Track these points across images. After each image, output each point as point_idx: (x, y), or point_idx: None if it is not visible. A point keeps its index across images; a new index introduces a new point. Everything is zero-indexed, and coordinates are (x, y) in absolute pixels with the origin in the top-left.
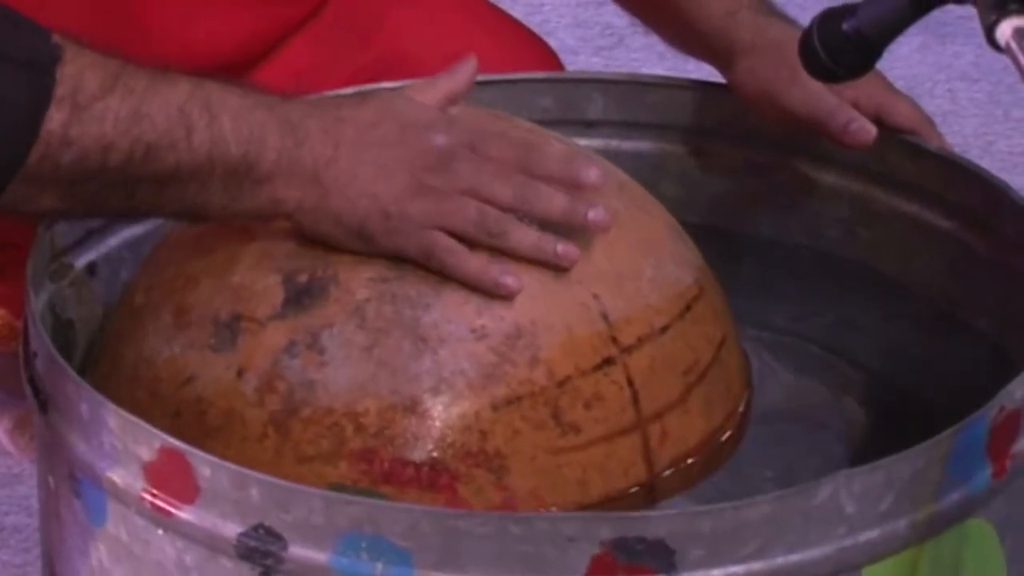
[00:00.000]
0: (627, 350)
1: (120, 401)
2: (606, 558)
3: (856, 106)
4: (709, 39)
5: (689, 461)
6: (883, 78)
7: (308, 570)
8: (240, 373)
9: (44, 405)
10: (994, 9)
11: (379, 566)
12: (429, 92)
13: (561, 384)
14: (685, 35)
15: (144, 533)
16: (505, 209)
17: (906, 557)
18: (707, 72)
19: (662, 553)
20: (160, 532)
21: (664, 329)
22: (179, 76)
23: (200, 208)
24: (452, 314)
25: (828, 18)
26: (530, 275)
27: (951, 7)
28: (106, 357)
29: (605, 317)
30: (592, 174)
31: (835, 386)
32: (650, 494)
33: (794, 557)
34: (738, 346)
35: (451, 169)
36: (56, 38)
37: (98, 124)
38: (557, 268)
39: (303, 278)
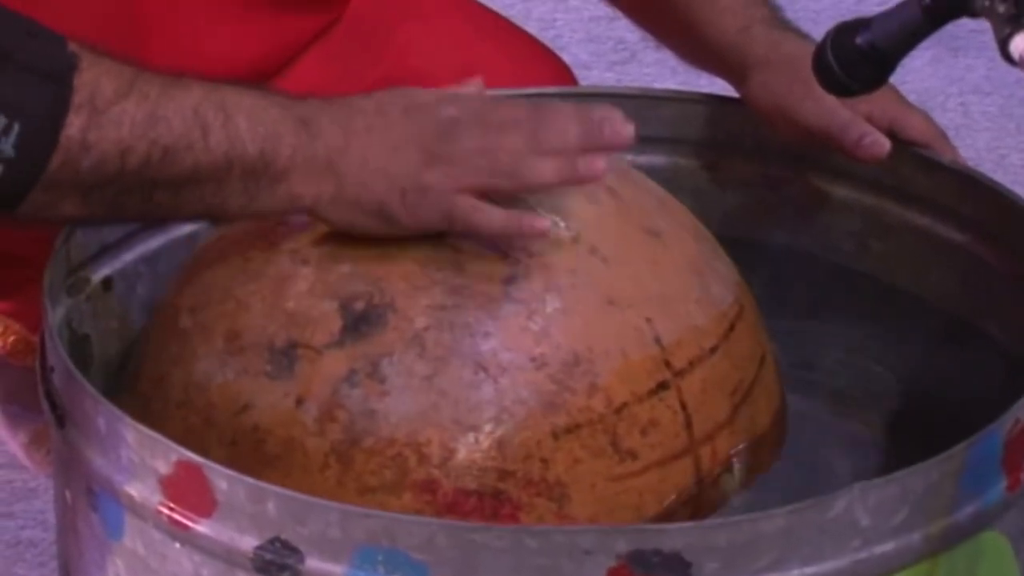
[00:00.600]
0: (679, 373)
1: (171, 425)
2: (622, 571)
3: (870, 120)
4: (722, 54)
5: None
6: (896, 92)
7: None
8: (299, 402)
9: (61, 420)
10: (1008, 23)
11: None
12: None
13: (619, 411)
14: (698, 50)
15: (161, 547)
16: (519, 154)
17: (921, 570)
18: (719, 86)
19: (678, 566)
20: (177, 546)
21: (713, 350)
22: (192, 80)
23: (219, 209)
24: (511, 342)
25: (842, 32)
26: (585, 301)
27: (962, 22)
28: (146, 377)
29: (658, 341)
30: (600, 113)
31: (848, 398)
32: (695, 506)
33: (809, 570)
34: (774, 359)
35: (459, 135)
36: (72, 46)
37: (115, 128)
38: (585, 181)
39: (360, 305)
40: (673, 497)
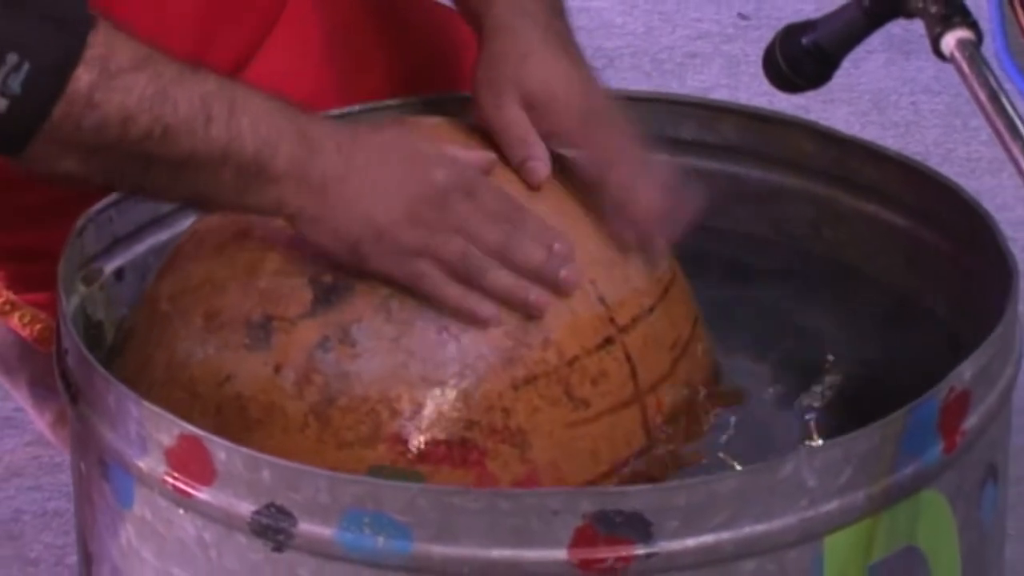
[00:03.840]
0: (623, 329)
1: (155, 401)
2: (588, 530)
3: (591, 155)
4: (469, 19)
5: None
6: (613, 135)
7: (316, 544)
8: (277, 369)
9: (75, 397)
10: (940, 22)
11: (381, 540)
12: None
13: (571, 363)
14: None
15: (167, 513)
16: (489, 252)
17: (864, 526)
18: (689, 88)
19: (639, 524)
20: (181, 512)
21: (651, 310)
22: (209, 73)
23: (209, 197)
24: None
25: (790, 33)
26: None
27: (913, 26)
28: (130, 359)
29: (603, 300)
30: (563, 247)
31: (802, 370)
32: (648, 460)
33: (760, 527)
34: (704, 325)
35: (446, 206)
36: (93, 11)
37: (123, 95)
38: (528, 315)
39: (328, 278)
40: (625, 449)
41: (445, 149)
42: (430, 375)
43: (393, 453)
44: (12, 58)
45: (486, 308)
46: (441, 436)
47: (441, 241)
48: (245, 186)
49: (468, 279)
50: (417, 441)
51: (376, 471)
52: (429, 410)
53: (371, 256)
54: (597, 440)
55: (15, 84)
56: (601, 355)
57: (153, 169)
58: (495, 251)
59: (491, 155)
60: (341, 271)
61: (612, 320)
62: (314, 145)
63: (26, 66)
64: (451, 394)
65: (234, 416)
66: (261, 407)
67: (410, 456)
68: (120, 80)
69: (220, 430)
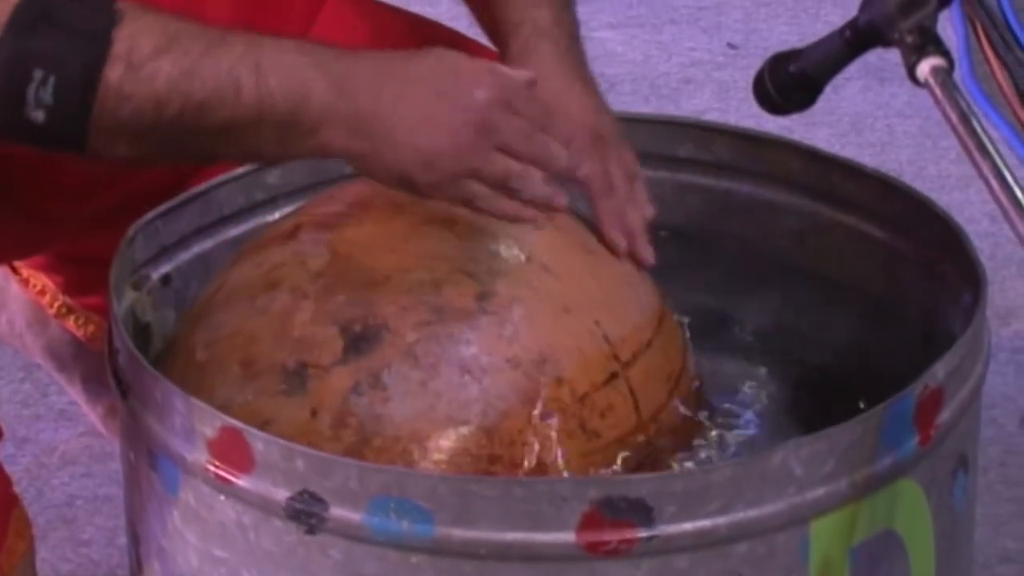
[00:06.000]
0: (626, 365)
1: None
2: (594, 515)
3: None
4: (496, 34)
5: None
6: (607, 165)
7: (345, 528)
8: (314, 413)
9: (125, 393)
10: (915, 51)
11: (405, 524)
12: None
13: (582, 399)
14: (484, 20)
15: (209, 499)
16: (529, 162)
17: (847, 512)
18: (686, 110)
19: (642, 509)
20: (222, 498)
21: (649, 344)
22: (236, 38)
23: (255, 153)
24: (489, 347)
25: (777, 61)
26: (544, 310)
27: (889, 56)
28: None
29: (607, 338)
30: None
31: (788, 369)
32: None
33: (752, 512)
34: (692, 351)
35: (487, 125)
36: (119, 4)
37: (150, 83)
38: (552, 210)
39: (358, 327)
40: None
41: (485, 64)
42: (455, 415)
43: None
44: (38, 73)
45: (532, 212)
46: (469, 470)
47: (485, 163)
48: (286, 139)
49: (513, 193)
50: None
51: None
52: (457, 447)
53: (422, 185)
54: (609, 467)
55: (47, 96)
56: (608, 390)
57: (197, 139)
58: (533, 160)
59: (532, 74)
60: (370, 318)
61: (616, 357)
62: (344, 88)
63: (52, 79)
64: (475, 432)
65: None
66: None
67: None
68: (146, 69)
69: None
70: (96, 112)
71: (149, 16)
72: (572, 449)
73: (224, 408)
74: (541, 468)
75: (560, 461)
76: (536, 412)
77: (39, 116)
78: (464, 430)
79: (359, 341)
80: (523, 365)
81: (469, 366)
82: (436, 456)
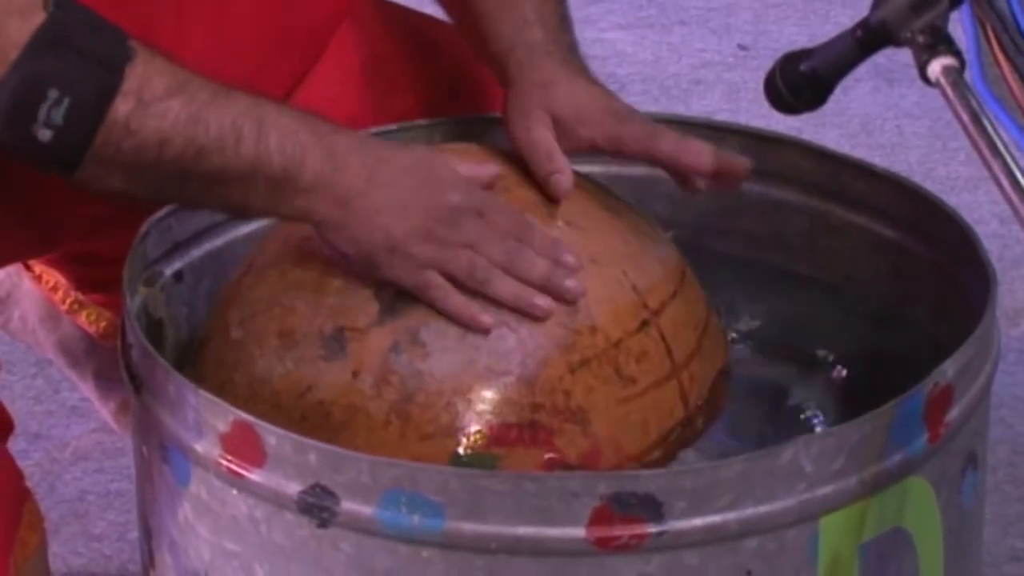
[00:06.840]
0: (656, 313)
1: None
2: (605, 510)
3: (622, 150)
4: (492, 65)
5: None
6: (646, 122)
7: (357, 521)
8: (355, 374)
9: (138, 388)
10: (926, 50)
11: (416, 518)
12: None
13: (616, 345)
14: (479, 55)
15: (221, 493)
16: (496, 264)
17: (856, 509)
18: (692, 110)
19: (651, 505)
20: (235, 492)
21: (675, 295)
22: (240, 93)
23: (243, 207)
24: None
25: (789, 61)
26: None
27: (898, 57)
28: (208, 387)
29: (635, 288)
30: (570, 259)
31: (800, 367)
32: (686, 429)
33: (762, 508)
34: (715, 308)
35: (458, 224)
36: (133, 43)
37: (158, 120)
38: (532, 318)
39: (391, 289)
40: (669, 420)
41: (460, 170)
42: (496, 366)
43: (471, 440)
44: (53, 93)
45: (485, 317)
46: (512, 420)
47: (450, 255)
48: (275, 196)
49: (475, 289)
50: (491, 427)
51: (455, 458)
52: (499, 398)
53: (384, 265)
54: (646, 413)
55: (58, 116)
56: (641, 336)
57: (190, 184)
58: (502, 264)
59: (496, 169)
60: None
61: (645, 305)
62: (339, 161)
63: (66, 101)
64: (516, 381)
65: (319, 422)
66: (344, 410)
67: (486, 441)
68: (155, 107)
69: (306, 435)
70: (99, 141)
71: (160, 60)
72: (609, 395)
73: (265, 380)
74: (582, 414)
75: (600, 406)
76: (574, 359)
77: (46, 135)
78: (505, 380)
79: (394, 302)
80: (557, 315)
81: (505, 318)
82: (480, 407)
